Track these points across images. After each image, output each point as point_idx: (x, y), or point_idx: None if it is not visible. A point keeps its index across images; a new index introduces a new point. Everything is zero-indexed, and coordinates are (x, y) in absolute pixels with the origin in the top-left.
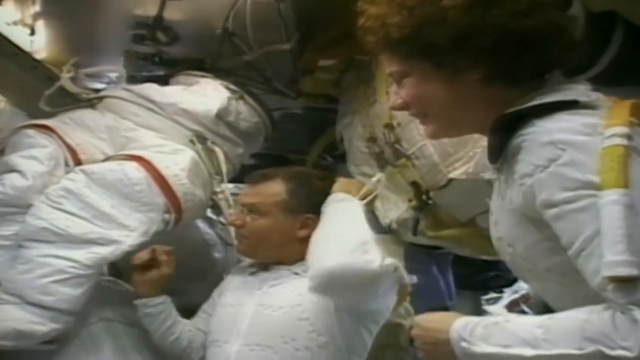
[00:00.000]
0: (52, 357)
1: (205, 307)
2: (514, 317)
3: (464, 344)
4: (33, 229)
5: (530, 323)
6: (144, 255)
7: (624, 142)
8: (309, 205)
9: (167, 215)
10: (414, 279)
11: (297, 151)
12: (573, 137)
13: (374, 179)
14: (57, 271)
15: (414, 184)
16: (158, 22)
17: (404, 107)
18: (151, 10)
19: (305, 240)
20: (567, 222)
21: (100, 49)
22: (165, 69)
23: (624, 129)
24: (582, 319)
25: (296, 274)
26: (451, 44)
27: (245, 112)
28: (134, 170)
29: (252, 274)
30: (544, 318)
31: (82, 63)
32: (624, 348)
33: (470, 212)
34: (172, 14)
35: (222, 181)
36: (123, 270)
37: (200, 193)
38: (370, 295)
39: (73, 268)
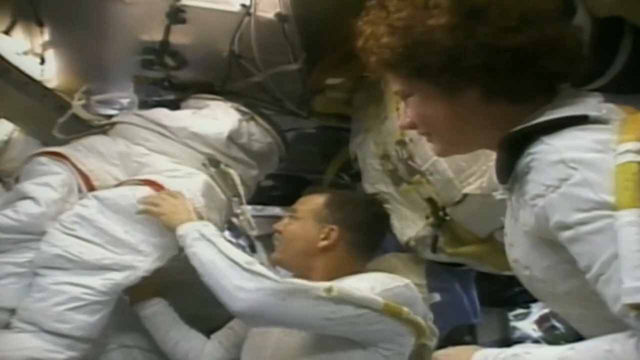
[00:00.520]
0: None
1: (233, 323)
2: (534, 347)
3: None
4: (47, 256)
5: (550, 355)
6: None
7: (638, 158)
8: (337, 218)
9: None
10: (437, 297)
11: (313, 171)
12: (584, 155)
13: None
14: (72, 298)
15: (430, 201)
16: (164, 47)
17: (412, 126)
18: (157, 35)
19: (325, 253)
20: (583, 245)
21: (110, 76)
22: (175, 93)
23: (638, 145)
24: (604, 350)
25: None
26: (443, 64)
27: (258, 134)
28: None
29: None
30: (565, 348)
31: (92, 90)
32: None
33: (488, 228)
34: (178, 38)
35: (241, 203)
36: None
37: (215, 216)
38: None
39: (88, 295)
